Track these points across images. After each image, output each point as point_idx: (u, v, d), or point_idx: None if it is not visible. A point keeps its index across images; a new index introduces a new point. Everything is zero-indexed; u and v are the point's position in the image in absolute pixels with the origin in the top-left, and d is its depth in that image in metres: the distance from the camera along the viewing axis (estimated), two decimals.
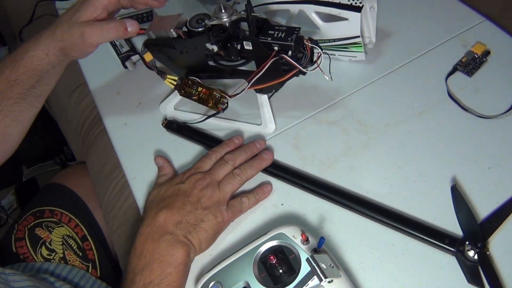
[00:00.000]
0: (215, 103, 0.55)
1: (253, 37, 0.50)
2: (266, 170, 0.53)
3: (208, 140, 0.58)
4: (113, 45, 0.71)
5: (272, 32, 0.50)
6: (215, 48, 0.52)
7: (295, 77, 0.52)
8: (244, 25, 0.53)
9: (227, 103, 0.56)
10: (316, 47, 0.50)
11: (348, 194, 0.50)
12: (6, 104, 0.50)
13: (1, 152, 0.53)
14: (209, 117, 0.58)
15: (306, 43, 0.50)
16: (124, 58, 0.69)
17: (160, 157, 0.57)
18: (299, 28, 0.49)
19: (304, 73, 0.50)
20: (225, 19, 0.52)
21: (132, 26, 0.50)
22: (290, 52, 0.49)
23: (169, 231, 0.45)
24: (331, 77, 0.51)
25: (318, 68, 0.51)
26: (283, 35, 0.49)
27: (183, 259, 0.43)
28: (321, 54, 0.51)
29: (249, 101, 0.59)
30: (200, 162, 0.52)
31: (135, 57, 0.70)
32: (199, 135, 0.59)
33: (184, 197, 0.47)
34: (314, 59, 0.52)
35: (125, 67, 0.69)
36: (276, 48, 0.49)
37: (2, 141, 0.53)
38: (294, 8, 0.59)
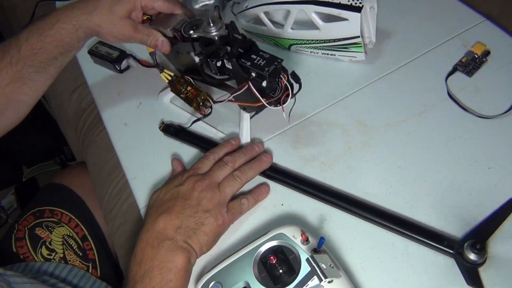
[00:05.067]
0: (198, 105, 0.55)
1: (232, 58, 0.49)
2: (264, 174, 0.53)
3: (205, 144, 0.58)
4: (100, 55, 0.70)
5: (255, 57, 0.48)
6: (197, 59, 0.52)
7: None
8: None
9: (211, 107, 0.56)
10: (295, 83, 0.50)
11: (346, 197, 0.50)
12: (27, 72, 0.51)
13: (13, 119, 0.54)
14: (195, 121, 0.58)
15: (282, 77, 0.48)
16: (118, 61, 0.68)
17: (176, 160, 0.57)
18: (281, 60, 0.48)
19: (266, 107, 0.50)
20: (213, 33, 0.51)
21: (163, 46, 0.55)
22: (264, 83, 0.48)
23: (169, 236, 0.44)
24: (289, 120, 0.54)
25: (283, 106, 0.50)
26: (263, 63, 0.48)
27: (183, 264, 0.43)
28: (290, 94, 0.50)
29: (237, 111, 0.58)
30: (198, 163, 0.52)
31: (129, 61, 0.70)
32: (196, 138, 0.59)
33: (183, 200, 0.47)
34: (294, 92, 0.50)
35: (121, 71, 0.69)
36: (253, 74, 0.48)
37: (16, 109, 0.53)
38: (294, 8, 0.59)
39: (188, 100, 0.56)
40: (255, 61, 0.48)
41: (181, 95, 0.57)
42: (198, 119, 0.57)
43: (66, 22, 0.50)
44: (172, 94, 0.62)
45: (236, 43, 0.49)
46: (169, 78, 0.58)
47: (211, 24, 0.52)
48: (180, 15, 0.55)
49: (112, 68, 0.69)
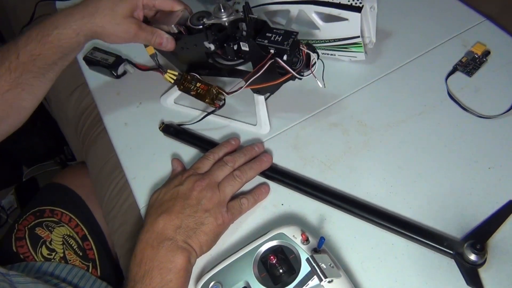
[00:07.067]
0: (212, 99, 0.55)
1: (249, 38, 0.50)
2: (264, 174, 0.53)
3: (205, 144, 0.58)
4: (96, 61, 0.69)
5: (270, 34, 0.49)
6: (212, 47, 0.52)
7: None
8: (243, 26, 0.53)
9: (224, 100, 0.56)
10: (312, 53, 0.50)
11: (346, 197, 0.50)
12: (26, 77, 0.50)
13: (14, 124, 0.54)
14: (207, 114, 0.58)
15: (302, 48, 0.50)
16: (114, 67, 0.68)
17: (176, 160, 0.56)
18: (297, 32, 0.49)
19: (299, 78, 0.50)
20: (224, 19, 0.52)
21: (168, 44, 0.54)
22: (285, 56, 0.48)
23: (168, 237, 0.44)
24: (324, 84, 0.51)
25: (312, 74, 0.51)
26: (280, 38, 0.49)
27: (183, 265, 0.43)
28: (315, 61, 0.50)
29: (247, 100, 0.59)
30: (198, 163, 0.52)
31: (126, 66, 0.69)
32: (196, 138, 0.59)
33: (183, 200, 0.47)
34: (311, 64, 0.51)
35: (118, 76, 0.69)
36: (272, 51, 0.49)
37: (16, 114, 0.53)
38: (294, 8, 0.59)
39: (199, 96, 0.56)
40: (272, 38, 0.49)
41: (191, 93, 0.57)
42: (211, 112, 0.58)
43: (65, 28, 0.50)
44: (175, 96, 0.62)
45: (251, 23, 0.50)
46: (174, 78, 0.58)
47: (222, 10, 0.52)
48: (181, 10, 0.55)
49: (109, 74, 0.69)
